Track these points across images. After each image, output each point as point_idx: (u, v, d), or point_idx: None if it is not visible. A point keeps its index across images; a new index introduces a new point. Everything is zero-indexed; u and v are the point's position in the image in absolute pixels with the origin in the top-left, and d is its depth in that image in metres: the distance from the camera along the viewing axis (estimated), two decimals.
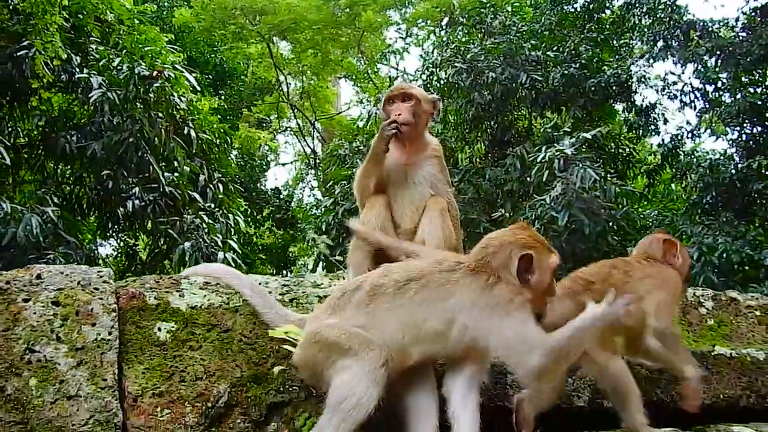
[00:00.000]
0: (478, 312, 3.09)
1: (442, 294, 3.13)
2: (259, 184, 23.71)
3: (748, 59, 13.84)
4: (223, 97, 22.68)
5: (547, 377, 3.00)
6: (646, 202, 17.22)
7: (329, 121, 24.77)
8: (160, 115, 11.90)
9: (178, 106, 12.34)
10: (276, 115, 25.32)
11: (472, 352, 3.10)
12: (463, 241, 15.29)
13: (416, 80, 18.60)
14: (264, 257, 23.77)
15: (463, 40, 16.77)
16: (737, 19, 14.70)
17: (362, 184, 4.02)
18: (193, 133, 12.74)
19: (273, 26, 21.53)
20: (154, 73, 12.04)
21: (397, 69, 22.79)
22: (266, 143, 25.26)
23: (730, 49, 14.04)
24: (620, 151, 17.04)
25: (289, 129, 25.89)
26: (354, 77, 24.69)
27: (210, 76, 21.94)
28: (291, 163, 29.48)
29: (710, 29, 14.41)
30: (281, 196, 23.19)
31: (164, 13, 20.35)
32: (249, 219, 22.88)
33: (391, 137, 3.80)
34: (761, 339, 3.43)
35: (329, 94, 25.36)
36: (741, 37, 14.21)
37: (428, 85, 17.66)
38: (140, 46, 12.11)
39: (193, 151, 12.74)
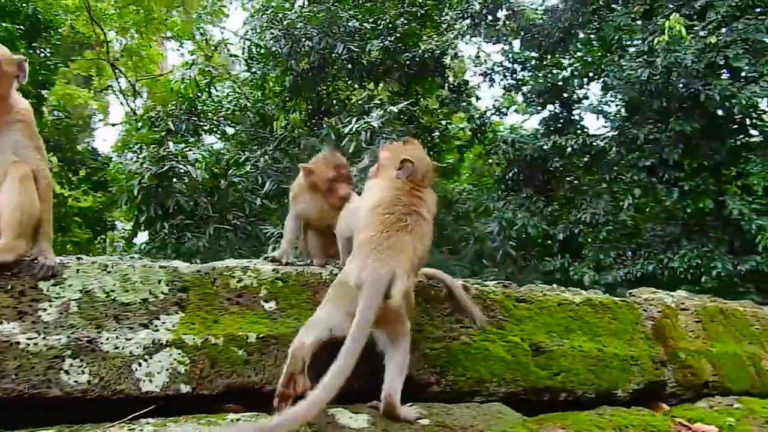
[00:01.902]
0: None
1: None
2: (76, 144, 22.49)
3: (550, 41, 14.28)
4: (37, 50, 21.28)
5: None
6: (457, 177, 17.61)
7: (153, 82, 23.78)
8: None
9: None
10: (96, 73, 24.01)
11: None
12: (274, 210, 14.95)
13: (237, 45, 18.18)
14: (80, 220, 22.69)
15: (285, 5, 16.39)
16: (543, 2, 15.14)
17: None
18: None
19: None
20: None
21: (222, 29, 22.14)
22: (86, 102, 23.96)
23: (534, 30, 14.43)
24: (436, 125, 17.30)
25: (110, 88, 24.67)
26: (178, 38, 23.78)
27: (22, 27, 20.49)
28: (121, 124, 28.17)
29: (516, 10, 14.74)
30: (99, 158, 22.07)
31: None
32: (63, 180, 21.79)
33: None
34: None
35: (154, 54, 24.30)
36: (544, 20, 14.61)
37: (249, 51, 17.29)
38: None
39: None
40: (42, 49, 21.78)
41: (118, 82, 23.59)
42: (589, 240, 13.62)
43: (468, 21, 14.96)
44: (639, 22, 13.54)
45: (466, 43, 16.52)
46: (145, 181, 14.16)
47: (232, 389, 2.80)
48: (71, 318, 2.73)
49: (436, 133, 17.26)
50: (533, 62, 15.26)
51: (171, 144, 14.63)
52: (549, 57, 15.05)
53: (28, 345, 2.66)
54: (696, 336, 4.54)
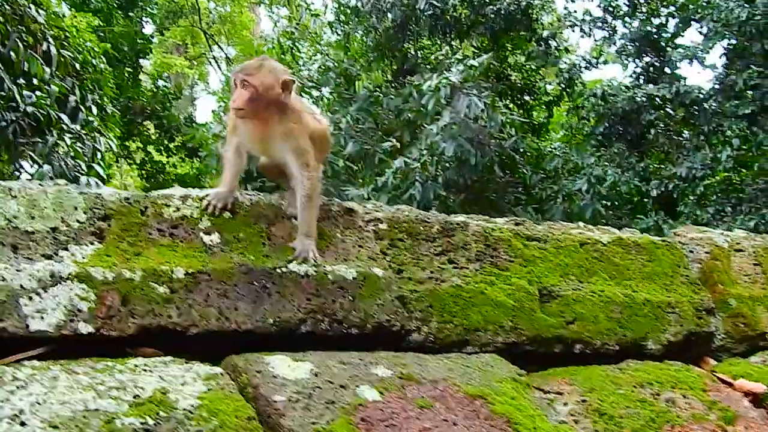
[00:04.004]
0: None
1: None
2: (173, 112, 22.88)
3: None
4: (134, 20, 21.71)
5: None
6: (546, 135, 16.88)
7: (246, 48, 23.88)
8: (24, 30, 11.12)
9: (35, 20, 11.50)
10: (191, 42, 24.35)
11: None
12: (358, 171, 14.81)
13: (325, 7, 17.96)
14: (179, 187, 23.12)
15: None
16: None
17: None
18: (53, 50, 11.95)
19: None
20: None
21: None
22: (183, 70, 24.38)
23: None
24: (527, 82, 16.61)
25: (205, 56, 24.96)
26: (269, 3, 23.75)
27: None
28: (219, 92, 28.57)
29: None
30: (194, 125, 22.41)
31: None
32: (160, 148, 22.29)
33: None
34: (368, 256, 2.93)
35: (246, 20, 24.39)
36: None
37: (334, 11, 17.10)
38: None
39: (54, 69, 11.98)
40: (138, 20, 22.22)
41: (211, 50, 23.83)
42: (686, 196, 12.74)
43: None
44: None
45: None
46: None
47: (149, 331, 2.44)
48: None
49: (526, 90, 16.62)
50: (625, 10, 14.28)
51: None
52: (642, 3, 14.05)
53: None
54: (752, 281, 3.86)
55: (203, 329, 2.49)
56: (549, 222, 3.64)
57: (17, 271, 2.33)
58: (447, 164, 13.05)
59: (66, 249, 2.47)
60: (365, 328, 2.77)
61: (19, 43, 11.00)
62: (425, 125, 13.53)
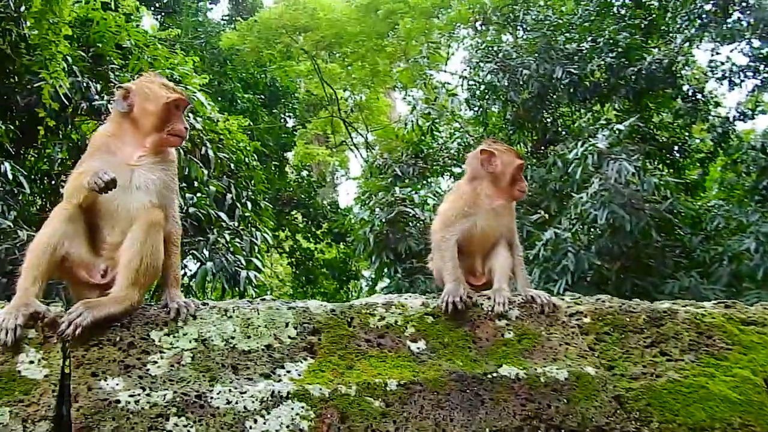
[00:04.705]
0: None
1: None
2: (318, 200, 23.65)
3: None
4: (278, 116, 22.78)
5: None
6: (702, 193, 16.11)
7: (383, 133, 24.51)
8: None
9: (193, 127, 12.29)
10: (331, 130, 25.25)
11: None
12: None
13: (460, 86, 18.14)
14: (326, 272, 23.69)
15: (495, 39, 16.19)
16: None
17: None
18: (210, 153, 12.70)
19: (316, 42, 21.48)
20: None
21: (444, 71, 22.25)
22: (325, 159, 25.20)
23: None
24: (675, 140, 16.05)
25: (345, 143, 25.76)
26: (403, 87, 24.35)
27: (263, 96, 22.05)
28: (360, 178, 29.24)
29: (750, 3, 13.27)
30: (338, 211, 23.03)
31: (206, 37, 20.58)
32: (308, 235, 23.01)
33: None
34: (577, 353, 2.78)
35: (382, 106, 25.07)
36: None
37: (469, 88, 17.25)
38: (152, 69, 12.09)
39: (212, 170, 12.71)
40: (282, 115, 23.31)
41: (351, 137, 24.60)
42: None
43: (698, 23, 13.69)
44: None
45: (697, 47, 15.19)
46: (377, 228, 14.36)
47: None
48: (182, 370, 2.46)
49: (675, 149, 16.04)
50: None
51: (397, 189, 14.79)
52: None
53: (129, 403, 2.42)
54: None
55: None
56: (763, 302, 3.37)
57: (241, 393, 2.36)
58: (599, 232, 12.69)
59: (282, 366, 2.50)
60: None
61: (181, 150, 11.76)
62: (572, 194, 13.26)
